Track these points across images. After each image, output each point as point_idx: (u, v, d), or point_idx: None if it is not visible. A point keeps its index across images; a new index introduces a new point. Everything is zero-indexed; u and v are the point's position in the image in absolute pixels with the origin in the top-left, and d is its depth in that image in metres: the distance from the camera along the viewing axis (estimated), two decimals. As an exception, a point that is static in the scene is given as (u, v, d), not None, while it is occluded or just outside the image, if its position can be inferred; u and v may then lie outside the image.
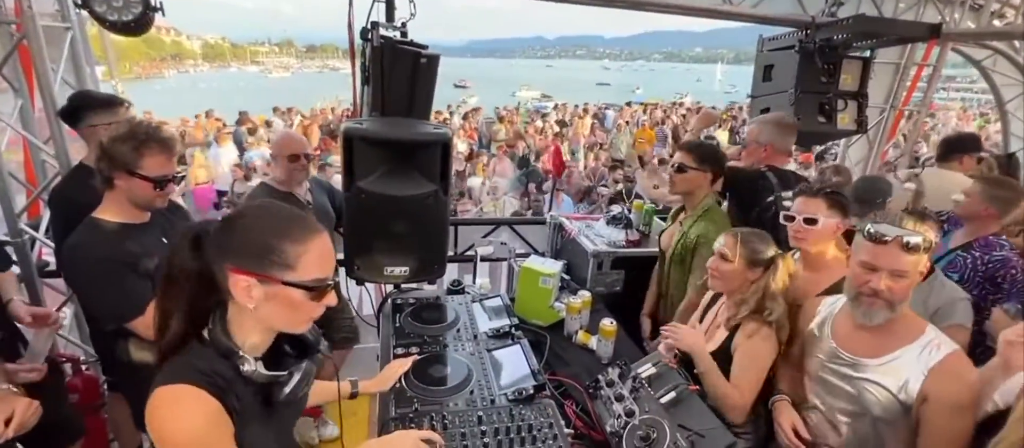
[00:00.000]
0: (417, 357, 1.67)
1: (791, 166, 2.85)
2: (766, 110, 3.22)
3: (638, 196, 3.75)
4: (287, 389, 0.98)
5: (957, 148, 3.14)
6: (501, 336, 1.91)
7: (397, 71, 2.32)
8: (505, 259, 3.22)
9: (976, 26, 3.29)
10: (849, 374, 1.46)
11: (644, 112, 14.86)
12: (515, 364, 1.73)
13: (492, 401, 1.55)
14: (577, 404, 1.62)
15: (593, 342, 2.07)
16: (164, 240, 1.83)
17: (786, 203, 2.49)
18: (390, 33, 2.26)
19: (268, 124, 10.58)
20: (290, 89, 29.56)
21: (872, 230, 1.37)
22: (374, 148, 1.96)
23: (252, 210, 0.95)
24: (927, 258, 1.38)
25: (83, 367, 2.58)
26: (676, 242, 2.32)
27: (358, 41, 2.29)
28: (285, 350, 1.03)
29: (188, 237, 0.92)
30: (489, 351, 1.81)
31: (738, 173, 2.53)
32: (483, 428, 1.41)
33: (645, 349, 2.35)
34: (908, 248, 1.33)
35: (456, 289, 2.35)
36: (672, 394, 1.32)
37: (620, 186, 6.41)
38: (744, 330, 1.63)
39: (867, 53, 3.14)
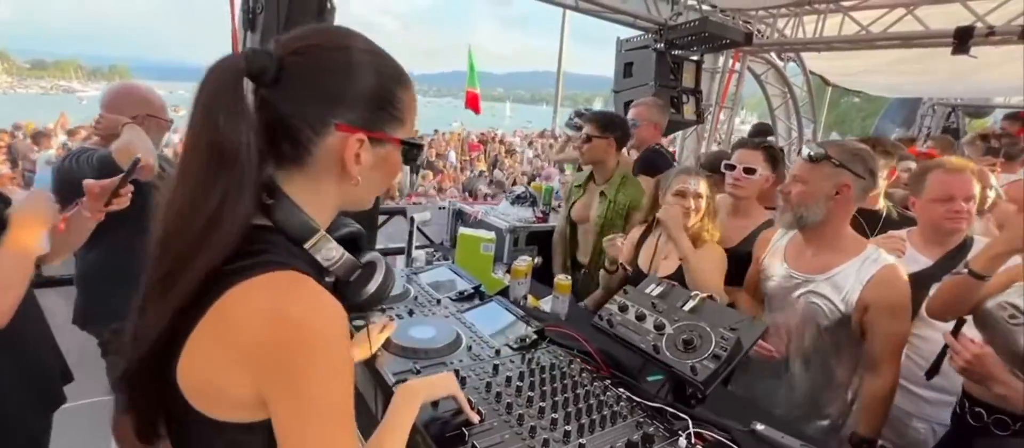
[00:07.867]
0: (395, 320, 1.38)
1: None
2: (629, 102, 3.63)
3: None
4: (372, 286, 0.71)
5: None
6: (468, 298, 1.71)
7: (297, 13, 1.96)
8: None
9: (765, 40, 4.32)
10: (801, 290, 1.61)
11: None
12: (500, 320, 1.57)
13: (497, 352, 1.38)
14: (571, 348, 1.53)
15: (546, 303, 1.99)
16: None
17: None
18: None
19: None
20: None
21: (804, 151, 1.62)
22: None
23: (351, 42, 0.64)
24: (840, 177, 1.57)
25: None
26: (605, 210, 2.37)
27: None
28: None
29: (235, 74, 0.58)
30: (462, 313, 1.60)
31: (640, 156, 2.78)
32: (507, 374, 1.23)
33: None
34: (810, 159, 1.55)
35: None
36: (691, 302, 1.33)
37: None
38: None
39: (696, 58, 3.80)
